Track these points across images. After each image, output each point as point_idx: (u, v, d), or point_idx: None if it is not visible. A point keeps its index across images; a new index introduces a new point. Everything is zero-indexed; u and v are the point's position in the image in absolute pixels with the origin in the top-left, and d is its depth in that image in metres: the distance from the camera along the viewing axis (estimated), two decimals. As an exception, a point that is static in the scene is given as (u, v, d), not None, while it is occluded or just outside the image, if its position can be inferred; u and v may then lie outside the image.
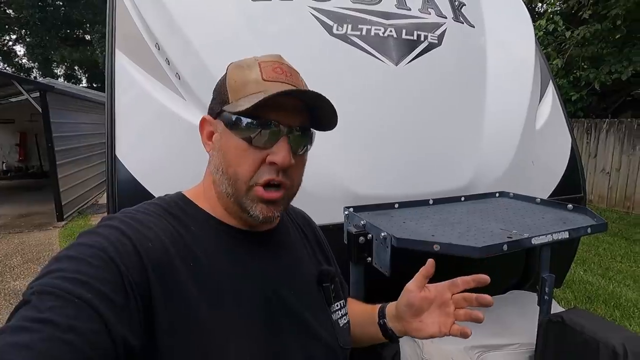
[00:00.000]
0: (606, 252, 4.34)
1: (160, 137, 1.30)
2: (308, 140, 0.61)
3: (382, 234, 1.02)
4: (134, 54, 1.35)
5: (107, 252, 0.47)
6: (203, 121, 0.63)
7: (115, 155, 1.22)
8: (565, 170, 1.93)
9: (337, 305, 0.70)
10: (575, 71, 6.37)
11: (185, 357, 0.50)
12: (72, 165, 6.36)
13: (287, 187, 0.59)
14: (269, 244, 0.64)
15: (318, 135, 1.39)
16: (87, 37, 18.40)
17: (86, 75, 20.12)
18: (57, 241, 4.94)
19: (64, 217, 5.82)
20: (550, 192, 1.84)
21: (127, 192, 1.23)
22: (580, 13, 5.78)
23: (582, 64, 6.32)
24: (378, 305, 0.76)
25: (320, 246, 0.77)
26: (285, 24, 1.52)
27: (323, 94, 0.58)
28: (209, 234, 0.58)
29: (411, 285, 0.67)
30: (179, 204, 0.60)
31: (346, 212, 1.24)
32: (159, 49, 1.33)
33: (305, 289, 0.66)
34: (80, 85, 18.22)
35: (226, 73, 0.60)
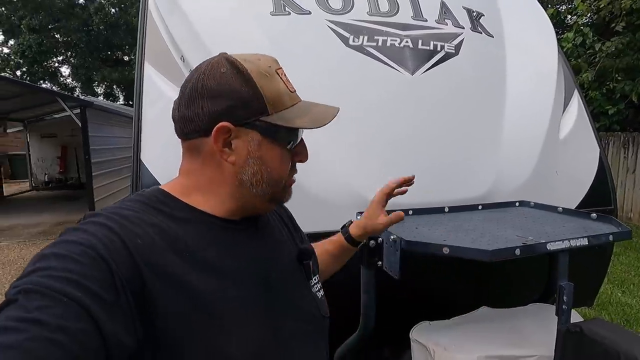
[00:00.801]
0: (647, 273, 4.06)
1: (183, 144, 1.38)
2: None
3: (392, 237, 1.02)
4: (161, 66, 1.45)
5: (95, 249, 0.46)
6: (222, 129, 0.58)
7: (140, 159, 1.29)
8: (593, 182, 1.84)
9: (315, 279, 0.73)
10: (608, 83, 6.12)
11: (194, 348, 0.50)
12: (106, 176, 6.71)
13: None
14: (255, 230, 0.67)
15: (334, 143, 1.43)
16: (126, 58, 19.62)
17: (123, 93, 21.35)
18: (89, 248, 5.17)
19: (97, 226, 6.11)
20: (577, 203, 1.77)
21: (150, 194, 1.30)
22: (613, 25, 5.59)
23: (616, 75, 6.07)
24: (341, 240, 0.94)
25: (295, 226, 0.81)
26: (303, 37, 1.58)
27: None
28: (198, 226, 0.58)
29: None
30: (160, 198, 0.60)
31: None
32: (184, 62, 1.42)
33: (290, 267, 0.70)
34: (118, 102, 19.35)
35: (250, 79, 0.58)
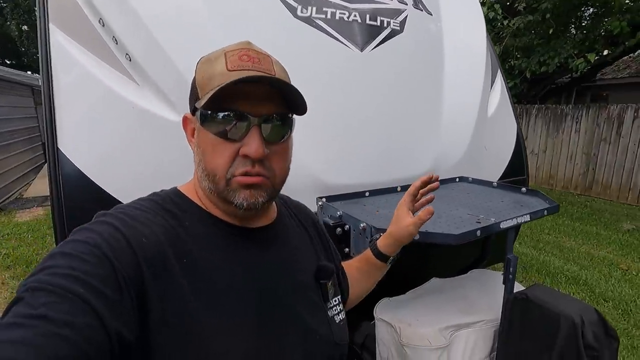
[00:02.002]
0: (536, 225, 4.84)
1: (111, 126, 1.16)
2: (286, 127, 0.59)
3: (361, 225, 1.01)
4: (72, 30, 1.17)
5: (100, 248, 0.47)
6: (185, 119, 0.62)
7: (57, 147, 1.06)
8: (512, 155, 2.08)
9: (335, 301, 0.69)
10: (509, 60, 6.87)
11: (178, 354, 0.49)
12: (-13, 155, 5.56)
13: (267, 177, 0.57)
14: (265, 240, 0.63)
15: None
16: (-5, 5, 15.97)
17: (-4, 50, 17.53)
18: (-25, 242, 4.33)
19: (-18, 214, 5.11)
20: (500, 175, 1.98)
21: (74, 188, 1.09)
22: (516, 5, 6.20)
23: (516, 53, 6.84)
24: (368, 254, 0.85)
25: (322, 239, 0.76)
26: (247, 3, 1.42)
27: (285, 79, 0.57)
28: (204, 231, 0.58)
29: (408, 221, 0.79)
30: (174, 199, 0.59)
31: (320, 203, 1.22)
32: (103, 25, 1.17)
33: (302, 285, 0.65)
34: (-10, 61, 15.88)
35: (196, 69, 0.59)
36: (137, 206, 0.56)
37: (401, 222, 0.80)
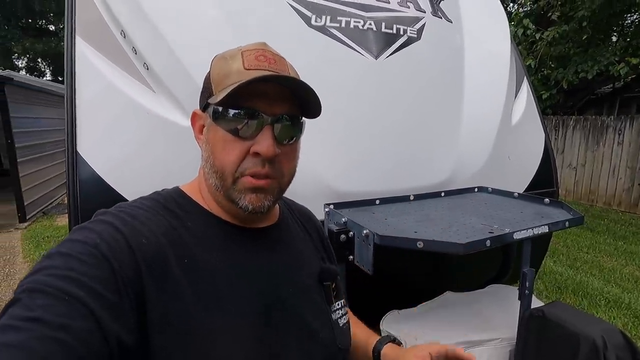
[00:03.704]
0: (573, 243, 4.54)
1: (128, 131, 1.22)
2: (297, 129, 0.59)
3: (364, 232, 0.99)
4: (96, 41, 1.25)
5: (99, 248, 0.46)
6: (194, 115, 0.62)
7: (76, 151, 1.12)
8: (539, 165, 1.97)
9: (338, 305, 0.67)
10: (543, 69, 6.60)
11: (178, 356, 0.48)
12: (35, 163, 6.00)
13: (275, 178, 0.57)
14: (268, 241, 0.62)
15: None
16: (51, 27, 17.45)
17: (50, 68, 19.09)
18: (19, 244, 4.65)
19: (27, 217, 5.49)
20: (526, 186, 1.88)
21: (91, 191, 1.14)
22: (550, 14, 5.98)
23: (550, 62, 6.56)
24: (372, 340, 0.76)
25: (323, 244, 0.75)
26: (261, 13, 1.46)
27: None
28: (206, 231, 0.57)
29: None
30: (176, 199, 0.59)
31: (327, 209, 1.21)
32: (124, 37, 1.24)
33: (305, 287, 0.64)
34: (44, 78, 17.30)
35: (211, 66, 0.60)
36: (138, 205, 0.55)
37: (409, 354, 0.70)
